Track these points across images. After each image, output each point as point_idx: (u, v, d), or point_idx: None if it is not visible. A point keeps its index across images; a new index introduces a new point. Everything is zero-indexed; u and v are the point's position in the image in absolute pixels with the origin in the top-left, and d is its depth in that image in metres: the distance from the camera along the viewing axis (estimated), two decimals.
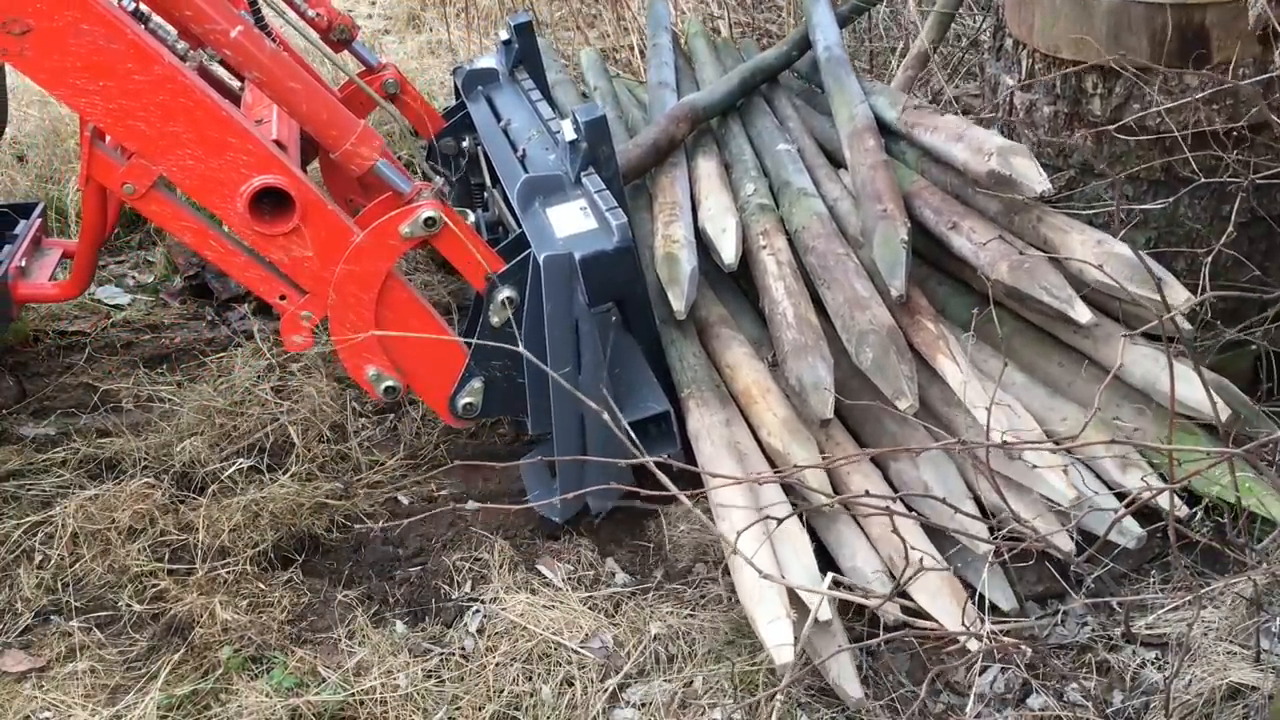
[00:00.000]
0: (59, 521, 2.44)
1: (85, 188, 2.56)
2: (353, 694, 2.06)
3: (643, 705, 2.02)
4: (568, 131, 2.48)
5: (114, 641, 2.23)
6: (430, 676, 2.10)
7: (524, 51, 3.04)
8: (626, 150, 2.87)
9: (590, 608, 2.22)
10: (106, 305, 3.42)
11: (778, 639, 1.87)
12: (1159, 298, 2.03)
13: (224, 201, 2.22)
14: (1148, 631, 2.03)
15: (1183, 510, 2.06)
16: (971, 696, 1.91)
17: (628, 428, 2.21)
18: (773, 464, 2.27)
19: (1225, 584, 2.03)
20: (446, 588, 2.34)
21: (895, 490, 2.22)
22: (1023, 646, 1.84)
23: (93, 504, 2.48)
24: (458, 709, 2.03)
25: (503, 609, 2.21)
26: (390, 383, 2.37)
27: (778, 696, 1.94)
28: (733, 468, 2.18)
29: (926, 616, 1.96)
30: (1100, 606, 2.11)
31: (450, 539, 2.46)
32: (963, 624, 1.89)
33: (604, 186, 2.37)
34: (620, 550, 2.42)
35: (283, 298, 2.34)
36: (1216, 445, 2.13)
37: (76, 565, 2.39)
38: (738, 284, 2.82)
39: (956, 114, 2.85)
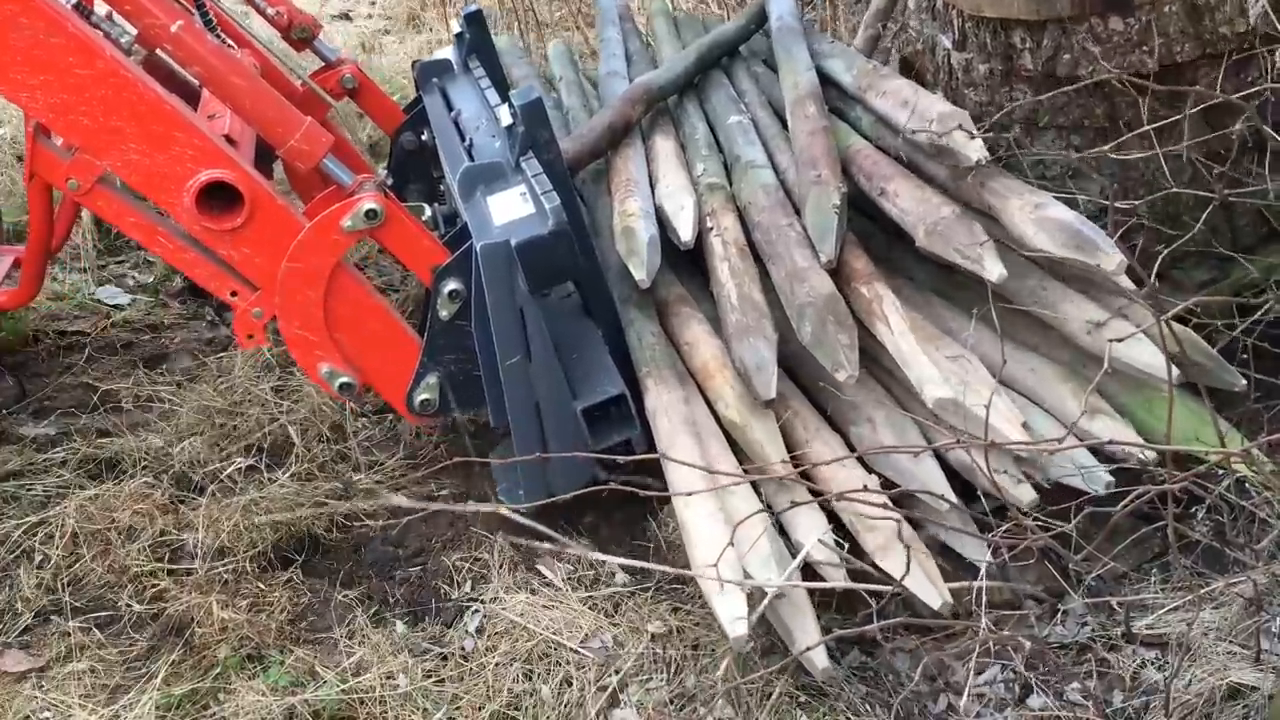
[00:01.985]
0: (59, 521, 2.44)
1: (30, 185, 2.53)
2: (350, 692, 2.05)
3: (642, 705, 2.02)
4: (504, 117, 2.45)
5: (114, 641, 2.23)
6: (430, 676, 2.10)
7: (476, 42, 3.01)
8: (581, 134, 2.83)
9: (590, 608, 2.22)
10: (106, 305, 3.43)
11: (731, 613, 1.85)
12: (1095, 263, 2.05)
13: (170, 197, 2.20)
14: (1148, 631, 2.03)
15: (1149, 455, 2.05)
16: (965, 693, 1.91)
17: (579, 415, 2.24)
18: (730, 438, 2.24)
19: (1225, 584, 2.02)
20: (446, 588, 2.34)
21: (860, 458, 2.19)
22: (1022, 640, 1.84)
23: (93, 504, 2.48)
24: (457, 709, 2.03)
25: (503, 609, 2.21)
26: (345, 379, 2.34)
27: (775, 695, 1.93)
28: (690, 444, 2.15)
29: (892, 581, 1.94)
30: (1100, 606, 2.11)
31: (450, 539, 2.46)
32: (934, 589, 1.87)
33: (541, 170, 2.32)
34: (620, 550, 2.41)
35: (234, 294, 2.32)
36: (1188, 399, 2.12)
37: (76, 565, 2.39)
38: (697, 264, 2.78)
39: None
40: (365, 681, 2.07)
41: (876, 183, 2.45)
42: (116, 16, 2.40)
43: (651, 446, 2.20)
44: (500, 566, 2.33)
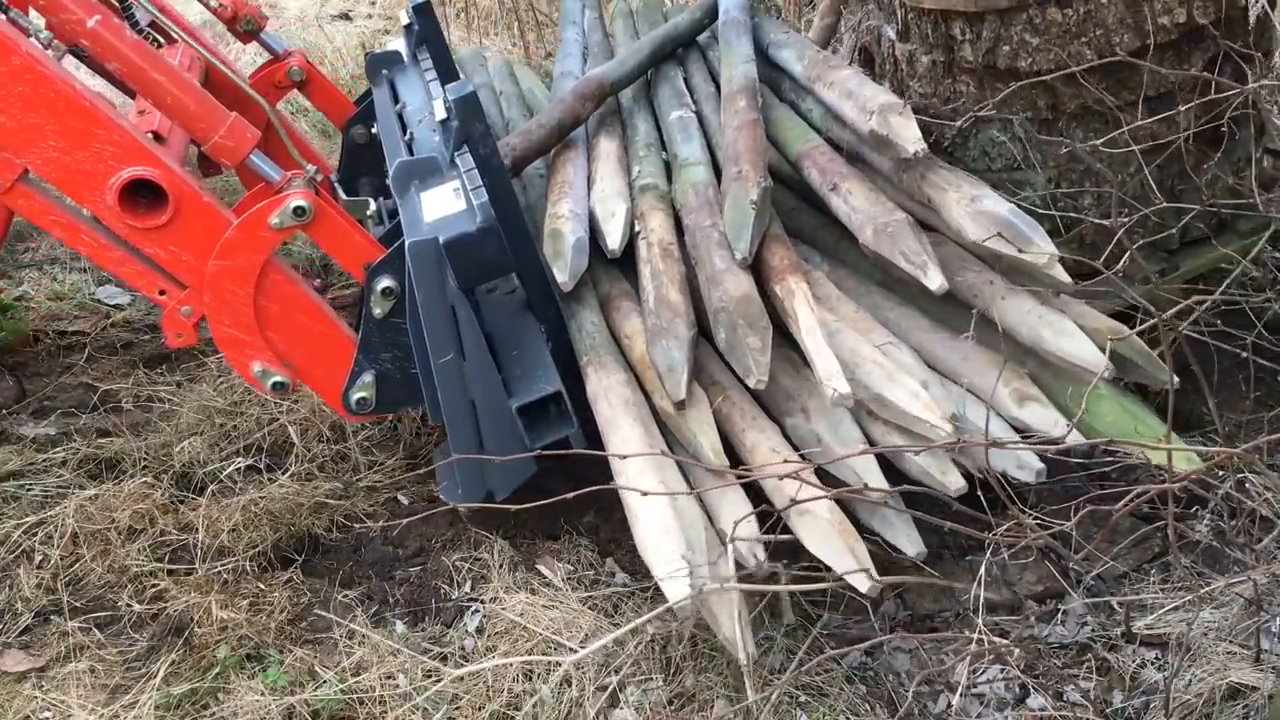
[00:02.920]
0: (59, 521, 2.44)
1: None
2: (349, 692, 2.06)
3: (641, 705, 2.02)
4: (438, 111, 2.42)
5: (114, 641, 2.23)
6: (430, 676, 2.10)
7: (425, 33, 2.93)
8: (529, 131, 2.77)
9: (590, 608, 2.22)
10: (106, 305, 3.43)
11: (674, 587, 1.84)
12: (1025, 257, 2.05)
13: (92, 194, 2.17)
14: (1148, 631, 2.03)
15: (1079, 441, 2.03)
16: (959, 692, 1.91)
17: (515, 413, 2.20)
18: (664, 429, 2.23)
19: (1225, 584, 2.02)
20: (446, 588, 2.34)
21: (795, 446, 2.17)
22: (1012, 648, 1.84)
23: (93, 504, 2.49)
24: (457, 709, 2.03)
25: (503, 609, 2.21)
26: (278, 378, 2.32)
27: (775, 695, 1.93)
28: (630, 426, 2.14)
29: (823, 566, 1.93)
30: (1100, 606, 2.11)
31: (450, 539, 2.46)
32: (861, 568, 1.86)
33: (474, 166, 2.29)
34: (620, 550, 2.42)
35: (162, 293, 2.28)
36: (1120, 394, 2.13)
37: (76, 565, 2.39)
38: None
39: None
40: (365, 681, 2.07)
41: (829, 179, 2.42)
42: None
43: (595, 443, 2.18)
44: (500, 566, 2.33)
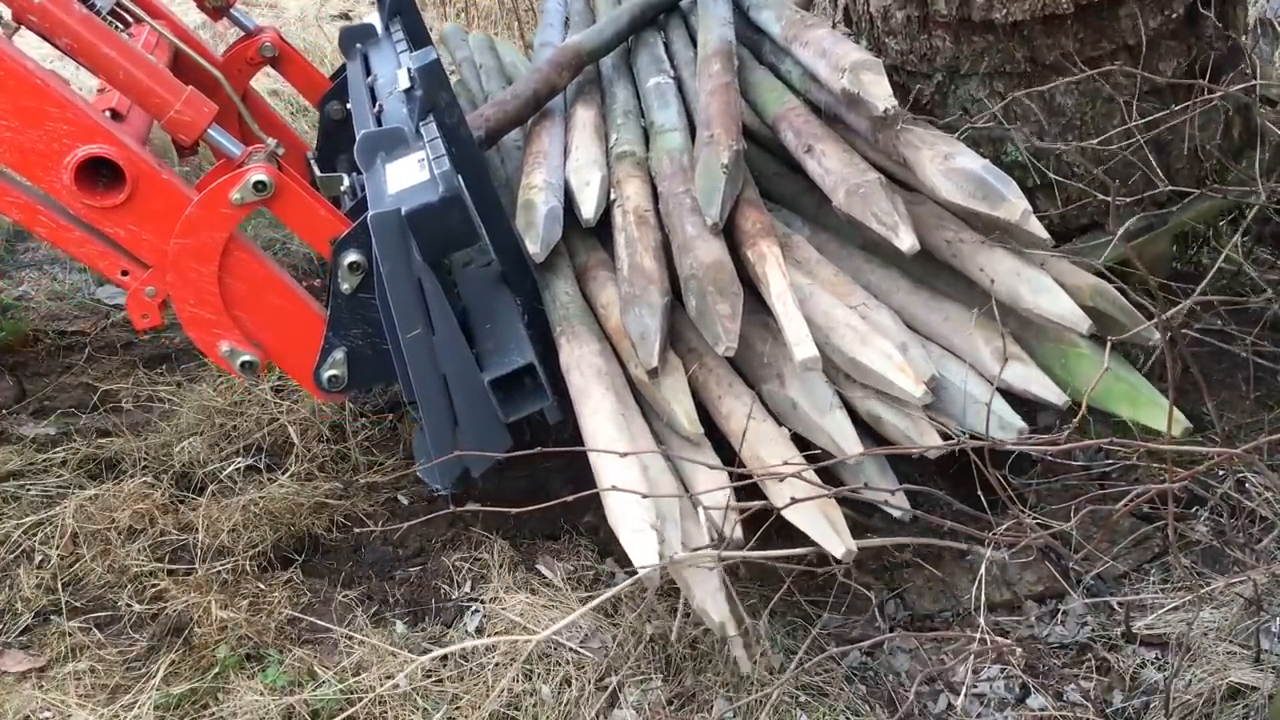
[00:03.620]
0: (59, 521, 2.44)
1: None
2: (347, 690, 2.06)
3: (641, 705, 2.02)
4: (402, 80, 2.38)
5: (114, 641, 2.23)
6: (430, 676, 2.10)
7: (398, 4, 2.89)
8: (504, 101, 2.74)
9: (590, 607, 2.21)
10: (106, 305, 3.43)
11: (641, 549, 1.83)
12: (997, 214, 2.03)
13: (48, 174, 2.13)
14: (1148, 631, 2.03)
15: (1060, 398, 2.04)
16: (962, 694, 1.91)
17: (488, 387, 2.15)
18: (639, 396, 2.22)
19: (1225, 584, 2.02)
20: (446, 588, 2.34)
21: (771, 413, 2.16)
22: (1016, 649, 1.84)
23: (93, 504, 2.48)
24: (457, 709, 2.03)
25: (502, 609, 2.21)
26: (247, 358, 2.28)
27: (775, 695, 1.93)
28: (602, 395, 2.12)
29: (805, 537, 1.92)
30: (1100, 606, 2.11)
31: (450, 539, 2.46)
32: (838, 538, 1.85)
33: (437, 135, 2.24)
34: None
35: (125, 273, 2.25)
36: (1101, 351, 2.09)
37: (76, 565, 2.39)
38: None
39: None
40: (365, 681, 2.07)
41: (804, 140, 2.38)
42: None
43: (572, 415, 2.15)
44: (500, 566, 2.33)
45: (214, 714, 2.04)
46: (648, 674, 2.08)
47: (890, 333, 2.12)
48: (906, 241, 2.08)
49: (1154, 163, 2.34)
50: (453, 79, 3.68)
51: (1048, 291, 2.06)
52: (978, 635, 1.84)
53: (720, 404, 2.18)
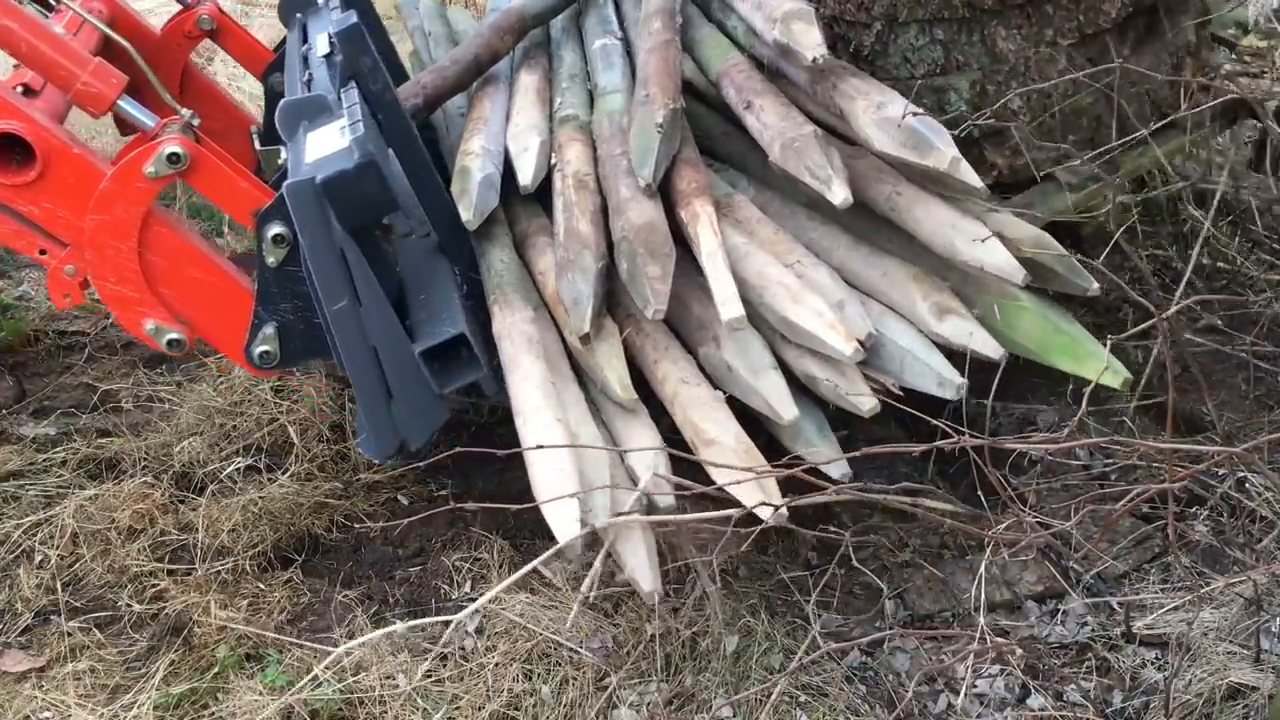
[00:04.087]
0: (59, 521, 2.44)
1: None
2: (347, 690, 2.06)
3: (641, 705, 2.02)
4: (321, 46, 2.33)
5: (114, 641, 2.23)
6: (430, 676, 2.10)
7: None
8: (442, 67, 2.68)
9: (590, 607, 2.22)
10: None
11: (560, 519, 1.82)
12: (927, 163, 2.01)
13: None
14: (1148, 631, 2.03)
15: (998, 352, 2.02)
16: (962, 694, 1.90)
17: (419, 358, 2.09)
18: (574, 363, 2.20)
19: (1225, 584, 2.02)
20: (446, 588, 2.34)
21: (708, 376, 2.14)
22: (1016, 649, 1.84)
23: (93, 504, 2.49)
24: (457, 709, 2.03)
25: (502, 609, 2.21)
26: (173, 335, 2.25)
27: (774, 695, 1.93)
28: (531, 363, 2.10)
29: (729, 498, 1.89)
30: (1100, 606, 2.11)
31: (450, 539, 2.46)
32: (764, 500, 1.84)
33: (356, 101, 2.18)
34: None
35: (43, 252, 2.21)
36: (1045, 306, 2.09)
37: (76, 565, 2.39)
38: None
39: None
40: (363, 681, 2.07)
41: (744, 96, 2.33)
42: None
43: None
44: (500, 566, 2.33)
45: (213, 714, 2.04)
46: (647, 674, 2.08)
47: (827, 290, 2.09)
48: (839, 195, 2.05)
49: (1102, 110, 2.30)
50: (407, 48, 3.65)
51: (983, 242, 2.04)
52: (978, 635, 1.84)
53: (656, 369, 2.15)
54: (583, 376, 2.21)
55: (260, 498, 2.52)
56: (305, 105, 2.26)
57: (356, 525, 2.50)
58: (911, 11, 2.32)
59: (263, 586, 2.34)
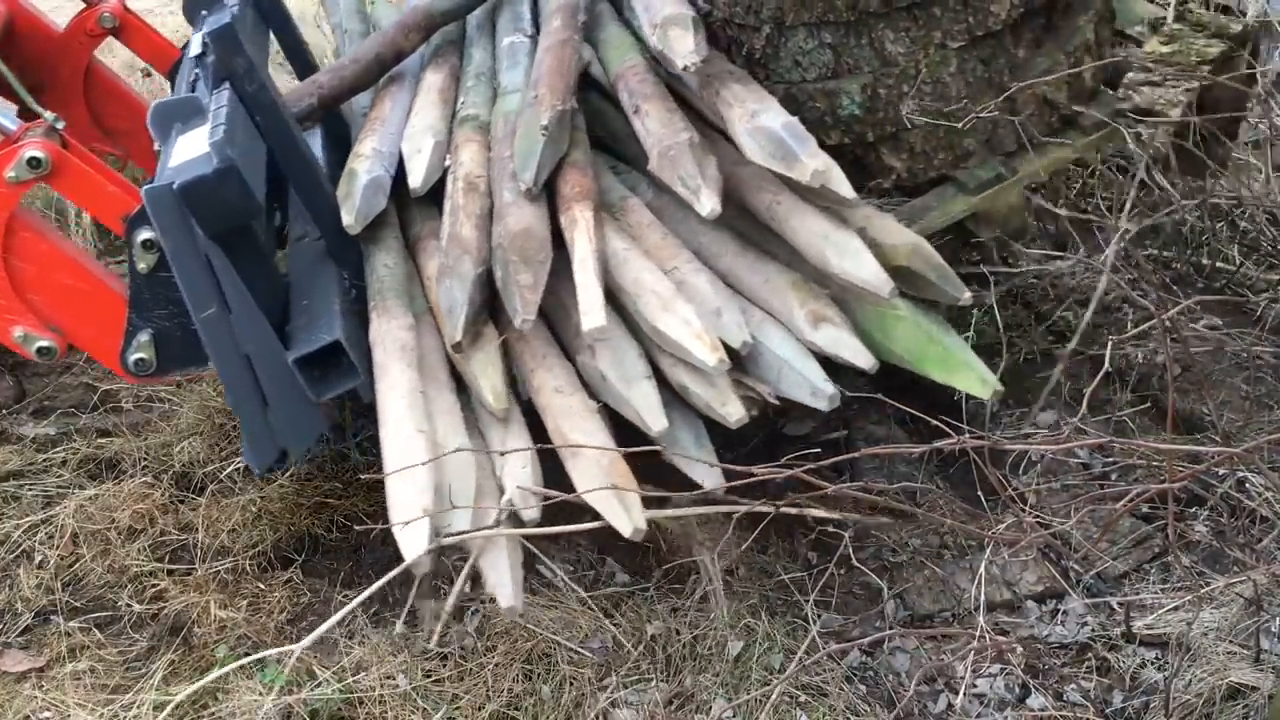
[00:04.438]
0: (59, 521, 2.44)
1: None
2: (347, 691, 2.06)
3: (640, 705, 2.02)
4: (194, 46, 2.29)
5: (114, 641, 2.23)
6: (429, 676, 2.10)
7: None
8: (341, 66, 2.62)
9: (590, 608, 2.22)
10: None
11: (408, 538, 1.81)
12: (792, 174, 2.00)
13: None
14: (1148, 631, 2.03)
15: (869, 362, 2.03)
16: (961, 694, 1.90)
17: (293, 365, 2.05)
18: (454, 369, 2.19)
19: (1225, 584, 2.02)
20: (446, 588, 2.33)
21: (585, 385, 2.13)
22: (1016, 649, 1.84)
23: (93, 504, 2.49)
24: (457, 709, 2.03)
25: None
26: (43, 343, 2.20)
27: (774, 695, 1.93)
28: (400, 371, 2.08)
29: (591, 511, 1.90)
30: (1100, 606, 2.11)
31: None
32: (627, 518, 1.84)
33: (223, 104, 2.11)
34: (620, 550, 2.41)
35: None
36: (921, 315, 2.10)
37: (76, 565, 2.39)
38: None
39: None
40: (364, 681, 2.07)
41: (634, 101, 2.30)
42: None
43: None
44: None
45: (213, 714, 2.04)
46: (647, 674, 2.08)
47: (705, 297, 2.08)
48: (706, 206, 2.04)
49: (999, 111, 2.27)
50: (330, 47, 3.59)
51: (852, 254, 2.04)
52: (978, 635, 1.84)
53: (533, 377, 2.14)
54: (463, 384, 2.18)
55: (260, 498, 2.52)
56: (177, 107, 2.21)
57: (356, 525, 2.50)
58: (798, 15, 2.30)
59: (263, 586, 2.34)
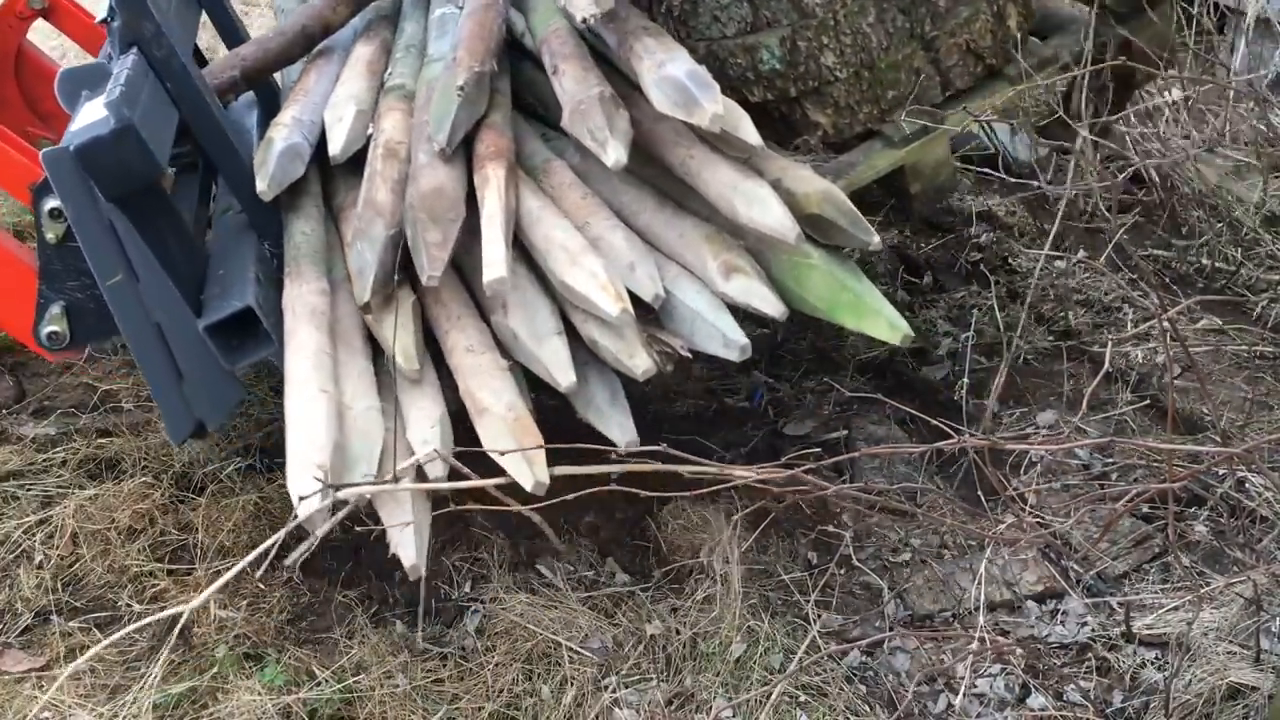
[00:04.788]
0: (59, 521, 2.44)
1: None
2: (346, 691, 2.06)
3: (641, 705, 2.02)
4: (100, 11, 2.27)
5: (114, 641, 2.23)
6: (430, 676, 2.10)
7: None
8: (266, 39, 2.60)
9: (590, 608, 2.22)
10: None
11: (301, 493, 1.81)
12: (694, 120, 2.00)
13: None
14: (1148, 631, 2.03)
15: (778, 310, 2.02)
16: (961, 694, 1.90)
17: (203, 333, 2.02)
18: (370, 332, 2.19)
19: (1225, 584, 2.02)
20: (446, 588, 2.34)
21: (499, 344, 2.12)
22: (1016, 649, 1.84)
23: (93, 504, 2.48)
24: (457, 709, 2.03)
25: (502, 609, 2.21)
26: None
27: (774, 694, 1.93)
28: (308, 334, 2.07)
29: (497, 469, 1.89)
30: (1100, 606, 2.11)
31: (450, 539, 2.46)
32: (530, 473, 1.84)
33: (126, 67, 2.09)
34: (620, 550, 2.42)
35: None
36: (834, 263, 2.10)
37: (76, 565, 2.39)
38: None
39: None
40: (363, 681, 2.07)
41: (554, 62, 2.30)
42: None
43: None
44: (500, 566, 2.33)
45: (212, 714, 2.04)
46: (647, 674, 2.08)
47: (619, 253, 2.09)
48: (611, 157, 2.04)
49: (922, 63, 2.27)
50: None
51: (760, 202, 2.04)
52: (978, 635, 1.84)
53: (447, 338, 2.14)
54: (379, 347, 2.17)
55: (260, 498, 2.52)
56: (85, 74, 2.19)
57: (356, 525, 2.50)
58: None
59: (262, 586, 2.34)
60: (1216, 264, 2.88)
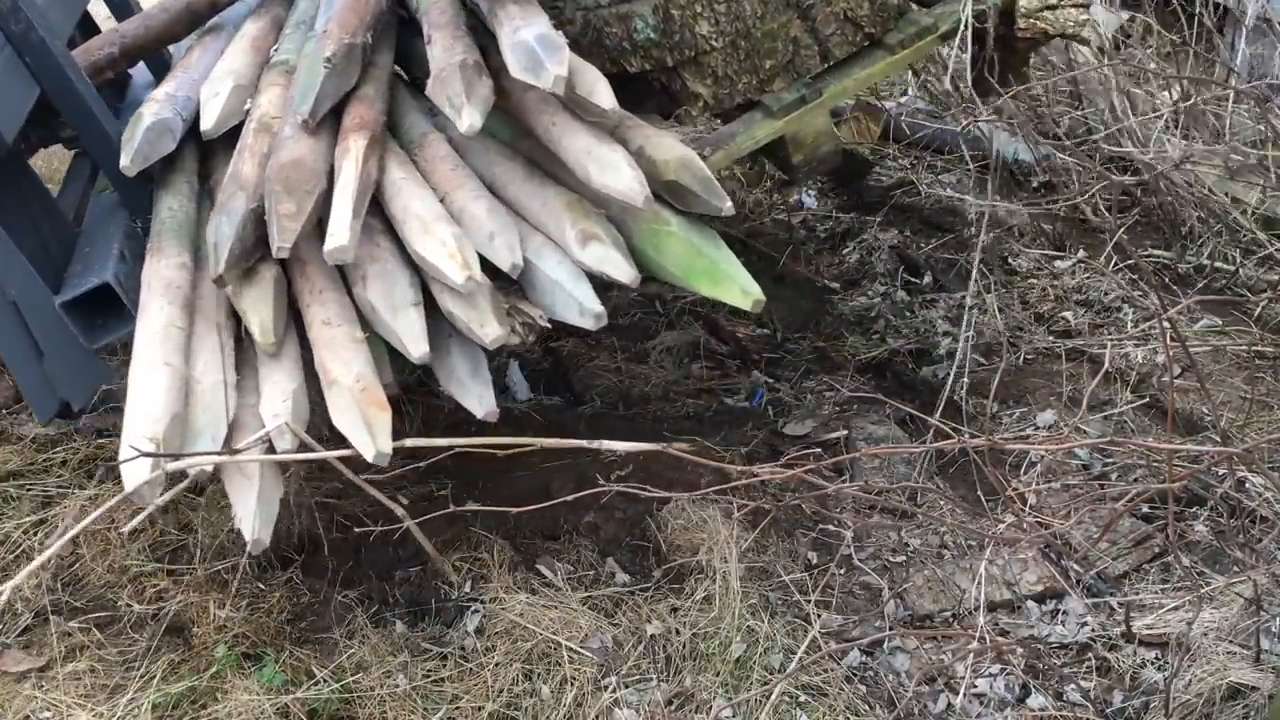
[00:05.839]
0: (59, 521, 2.44)
1: None
2: (345, 691, 2.06)
3: (641, 705, 2.02)
4: None
5: (114, 641, 2.23)
6: (429, 676, 2.10)
7: None
8: (150, 15, 2.58)
9: (590, 608, 2.22)
10: None
11: (131, 471, 1.80)
12: (539, 84, 2.00)
13: None
14: (1148, 631, 2.03)
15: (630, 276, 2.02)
16: (961, 694, 1.90)
17: (60, 310, 1.99)
18: (233, 307, 2.17)
19: (1225, 584, 2.02)
20: (446, 588, 2.34)
21: (360, 316, 2.09)
22: (1016, 649, 1.84)
23: (93, 504, 2.48)
24: (457, 709, 2.03)
25: (502, 609, 2.21)
26: None
27: (774, 694, 1.94)
28: (160, 309, 2.06)
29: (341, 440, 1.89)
30: (1100, 606, 2.11)
31: (450, 539, 2.46)
32: (372, 443, 1.84)
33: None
34: (620, 550, 2.42)
35: None
36: (692, 231, 2.11)
37: (76, 565, 2.39)
38: None
39: None
40: (363, 681, 2.07)
41: (429, 32, 2.30)
42: None
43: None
44: (500, 566, 2.33)
45: (211, 713, 2.04)
46: (647, 674, 2.08)
47: (480, 223, 2.08)
48: (465, 122, 2.05)
49: (799, 32, 2.26)
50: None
51: (612, 167, 2.05)
52: (978, 635, 1.84)
53: (307, 312, 2.13)
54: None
55: None
56: None
57: (356, 525, 2.50)
58: None
59: (262, 586, 2.34)
60: (1216, 264, 2.89)
